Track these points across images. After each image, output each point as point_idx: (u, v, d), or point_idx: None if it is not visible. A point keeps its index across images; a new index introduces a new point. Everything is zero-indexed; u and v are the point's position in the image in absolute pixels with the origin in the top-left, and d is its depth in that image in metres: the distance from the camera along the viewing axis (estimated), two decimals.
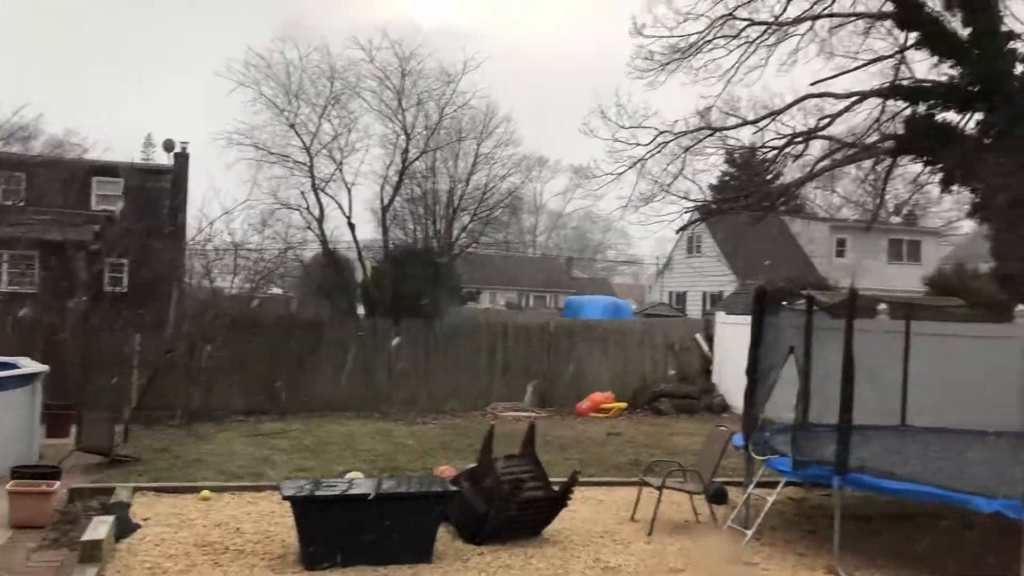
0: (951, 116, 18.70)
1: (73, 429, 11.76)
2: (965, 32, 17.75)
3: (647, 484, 8.89)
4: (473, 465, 8.55)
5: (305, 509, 7.12)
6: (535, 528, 8.10)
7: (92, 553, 6.67)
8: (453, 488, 7.88)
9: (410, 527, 7.23)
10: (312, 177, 25.30)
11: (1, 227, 23.16)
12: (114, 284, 23.50)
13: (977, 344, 11.13)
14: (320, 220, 25.56)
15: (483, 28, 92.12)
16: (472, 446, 11.92)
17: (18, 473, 8.49)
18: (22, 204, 24.79)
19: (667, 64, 20.68)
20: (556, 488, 8.32)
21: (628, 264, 79.12)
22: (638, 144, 21.32)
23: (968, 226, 40.32)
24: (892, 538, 8.39)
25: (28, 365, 11.21)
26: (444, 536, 7.75)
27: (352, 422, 15.38)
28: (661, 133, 21.13)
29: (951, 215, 46.38)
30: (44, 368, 11.37)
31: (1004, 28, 17.58)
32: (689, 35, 20.28)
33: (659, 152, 21.38)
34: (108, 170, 27.30)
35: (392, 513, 7.21)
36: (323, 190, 25.61)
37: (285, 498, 7.21)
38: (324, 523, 7.06)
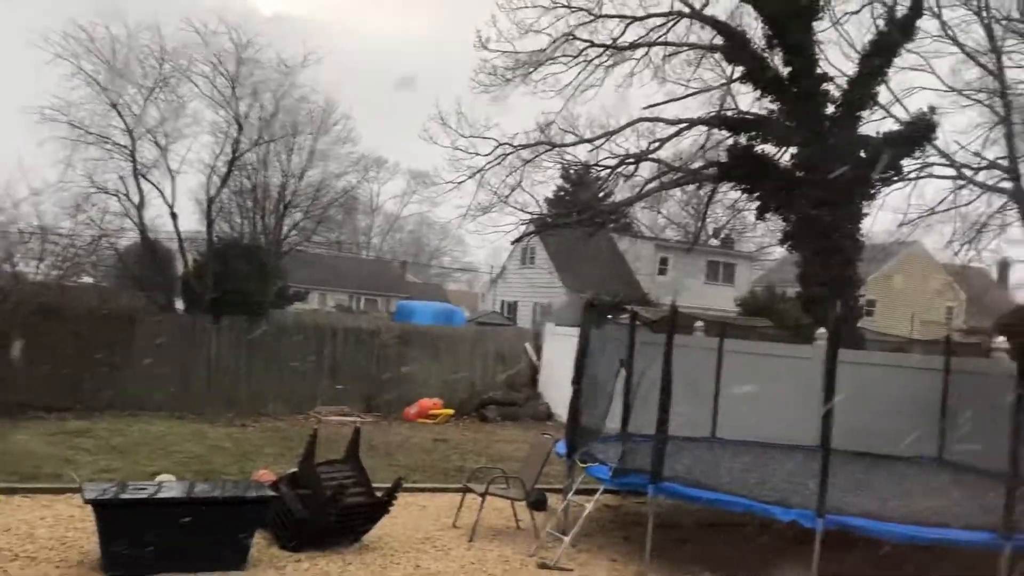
0: (769, 148, 20.07)
1: None
2: (785, 71, 19.08)
3: (471, 490, 8.93)
4: (294, 470, 8.32)
5: (108, 513, 6.69)
6: (356, 534, 7.97)
7: None
8: (271, 493, 7.63)
9: (223, 533, 6.93)
10: (134, 162, 23.84)
11: None
12: None
13: (782, 363, 11.94)
14: (140, 208, 24.11)
15: (328, 22, 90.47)
16: (294, 450, 11.61)
17: None
18: None
19: (510, 80, 21.11)
20: (380, 494, 8.22)
21: (463, 271, 79.74)
22: (478, 154, 21.61)
23: (779, 252, 43.43)
24: (699, 545, 8.84)
25: None
26: (260, 542, 7.49)
27: (166, 422, 14.61)
28: (501, 144, 21.53)
29: (764, 241, 49.80)
30: None
31: (819, 71, 19.04)
32: (532, 52, 20.78)
33: (499, 163, 21.77)
34: None
35: (204, 518, 6.89)
36: (145, 176, 24.22)
37: (87, 501, 6.74)
38: (129, 528, 6.65)
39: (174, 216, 24.63)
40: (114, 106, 23.75)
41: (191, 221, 29.93)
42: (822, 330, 12.28)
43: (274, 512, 7.70)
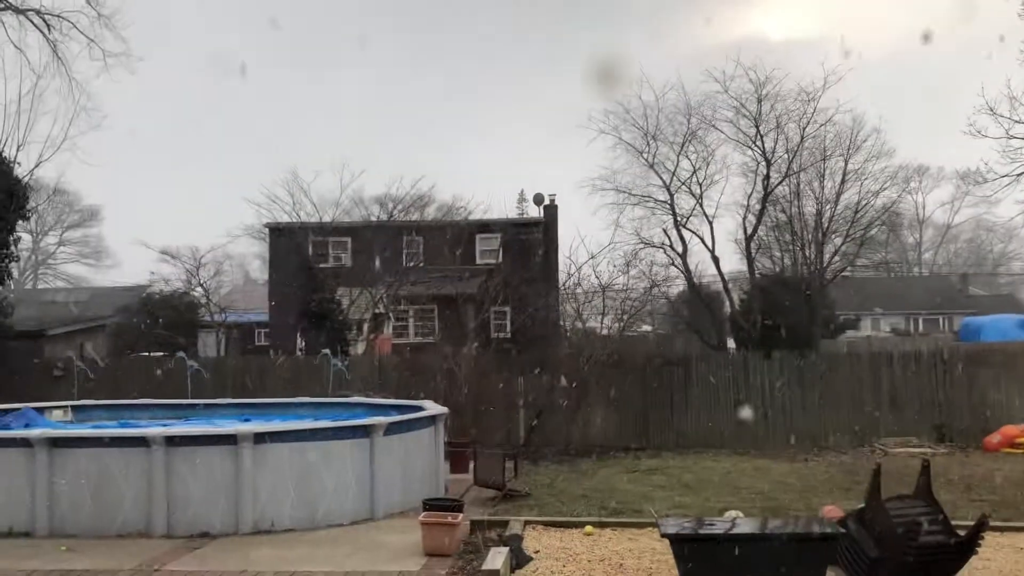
0: None
1: (472, 465, 12.86)
2: None
3: None
4: (861, 506, 7.94)
5: (685, 547, 7.05)
6: None
7: None
8: (840, 530, 7.37)
9: (796, 570, 6.85)
10: (673, 214, 25.64)
11: (405, 285, 26.38)
12: (498, 330, 25.57)
13: None
14: (684, 255, 25.75)
15: (837, 32, 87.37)
16: (859, 485, 11.12)
17: (428, 505, 9.46)
18: (421, 264, 28.08)
19: None
20: (961, 532, 7.43)
21: None
22: None
23: None
24: None
25: (431, 408, 12.50)
26: None
27: (728, 459, 15.08)
28: None
29: None
30: (444, 410, 12.61)
31: None
32: None
33: None
34: (488, 227, 29.96)
35: (776, 554, 6.89)
36: (685, 226, 25.81)
37: (664, 535, 7.21)
38: (705, 562, 6.94)
39: (715, 259, 25.84)
40: (651, 167, 25.89)
41: (732, 262, 31.04)
42: None
43: (845, 549, 7.42)
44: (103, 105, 50.40)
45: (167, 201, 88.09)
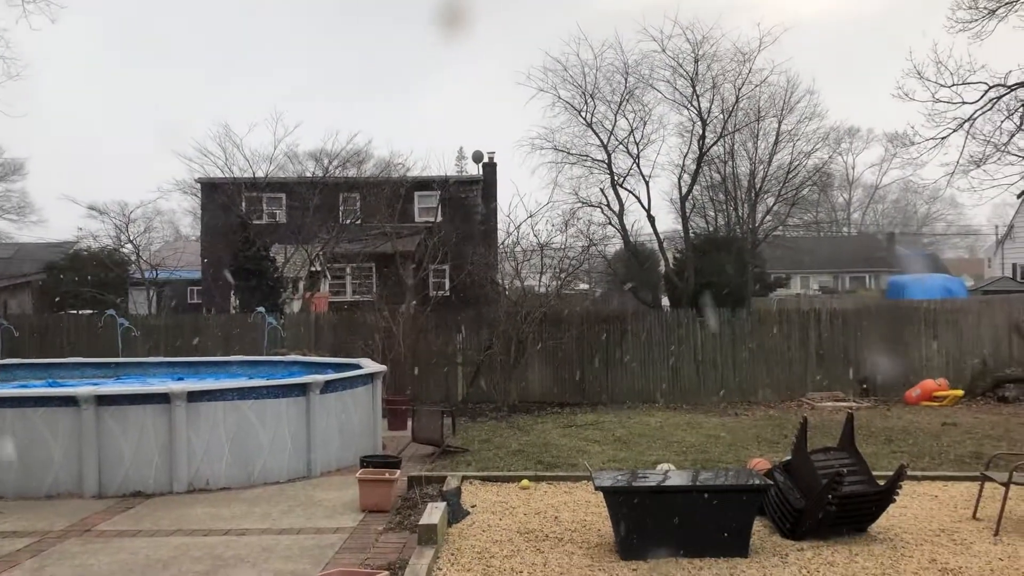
0: None
1: (410, 422, 12.91)
2: None
3: (990, 479, 8.00)
4: (788, 458, 8.22)
5: (617, 500, 7.24)
6: (859, 524, 7.61)
7: (429, 536, 7.26)
8: (768, 481, 7.62)
9: (725, 520, 7.09)
10: (611, 173, 25.74)
11: (342, 243, 26.07)
12: (437, 288, 25.54)
13: None
14: (620, 215, 25.93)
15: None
16: (787, 438, 11.51)
17: (366, 462, 9.49)
18: (359, 222, 27.74)
19: (996, 10, 18.58)
20: (882, 482, 7.76)
21: (961, 236, 71.99)
22: (964, 103, 19.39)
23: None
24: None
25: (369, 366, 12.48)
26: (760, 530, 7.53)
27: (661, 413, 15.43)
28: (992, 88, 19.05)
29: None
30: (383, 368, 12.60)
31: None
32: None
33: (991, 109, 19.29)
34: (427, 185, 29.73)
35: (706, 505, 7.11)
36: (622, 185, 25.95)
37: (598, 488, 7.37)
38: (637, 514, 7.13)
39: (651, 218, 26.07)
40: (589, 126, 25.87)
41: (667, 221, 31.40)
42: None
43: (772, 500, 7.69)
44: (23, 54, 48.39)
45: (95, 156, 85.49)
